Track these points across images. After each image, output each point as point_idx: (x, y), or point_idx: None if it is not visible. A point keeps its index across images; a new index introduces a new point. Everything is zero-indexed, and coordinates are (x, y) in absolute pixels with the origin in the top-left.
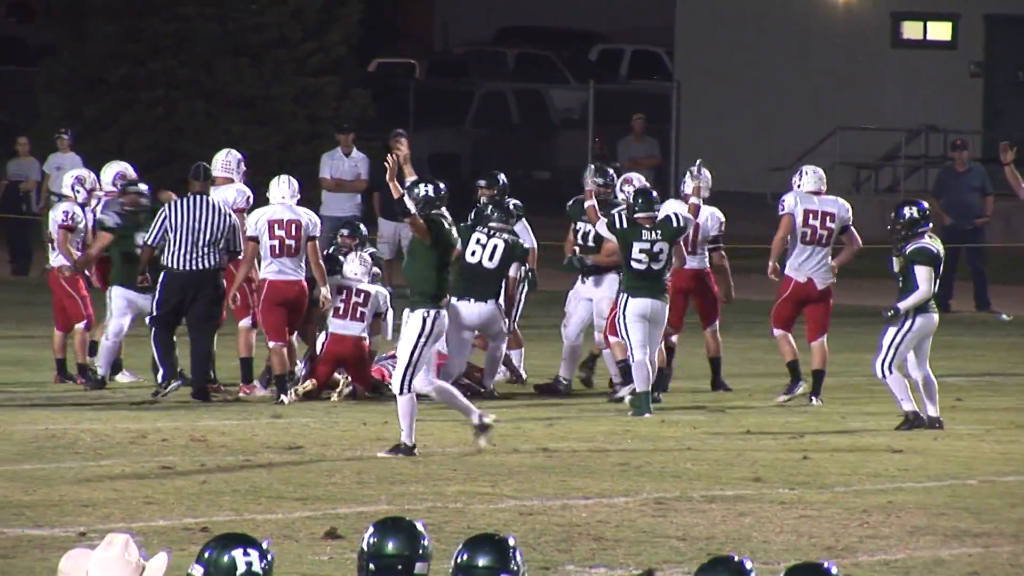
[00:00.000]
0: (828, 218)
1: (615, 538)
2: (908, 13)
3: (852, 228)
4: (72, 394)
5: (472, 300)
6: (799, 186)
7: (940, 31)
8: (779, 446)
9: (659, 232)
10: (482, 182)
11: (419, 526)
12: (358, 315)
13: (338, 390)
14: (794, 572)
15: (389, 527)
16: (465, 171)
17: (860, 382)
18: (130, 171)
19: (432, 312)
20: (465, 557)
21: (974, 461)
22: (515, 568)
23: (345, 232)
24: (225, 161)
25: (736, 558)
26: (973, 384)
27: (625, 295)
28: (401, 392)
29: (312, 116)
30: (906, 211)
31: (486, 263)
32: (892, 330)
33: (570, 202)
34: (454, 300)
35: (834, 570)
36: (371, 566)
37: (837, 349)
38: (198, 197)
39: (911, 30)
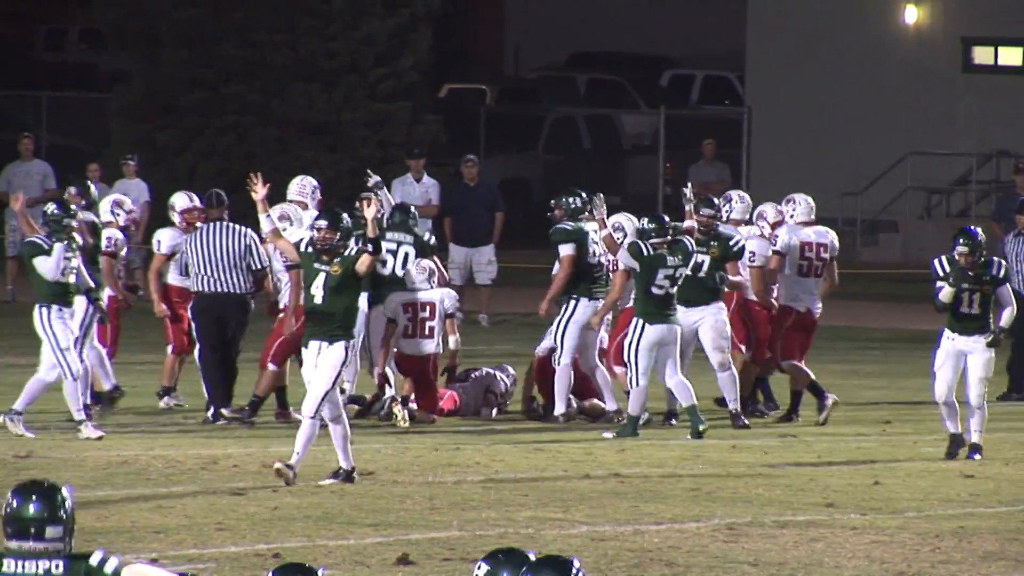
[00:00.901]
0: (822, 248)
1: (687, 564)
2: (979, 38)
3: (834, 262)
4: (143, 420)
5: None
6: (791, 216)
7: (1011, 56)
8: (850, 471)
9: (680, 257)
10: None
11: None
12: (427, 331)
13: (400, 416)
14: None
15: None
16: (536, 196)
17: (932, 407)
18: (183, 199)
19: (351, 343)
20: None
21: None
22: None
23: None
24: (300, 186)
25: None
26: None
27: (641, 322)
28: (312, 416)
29: (383, 142)
30: (979, 234)
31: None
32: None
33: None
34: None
35: None
36: None
37: (908, 375)
38: (216, 224)
39: (982, 55)
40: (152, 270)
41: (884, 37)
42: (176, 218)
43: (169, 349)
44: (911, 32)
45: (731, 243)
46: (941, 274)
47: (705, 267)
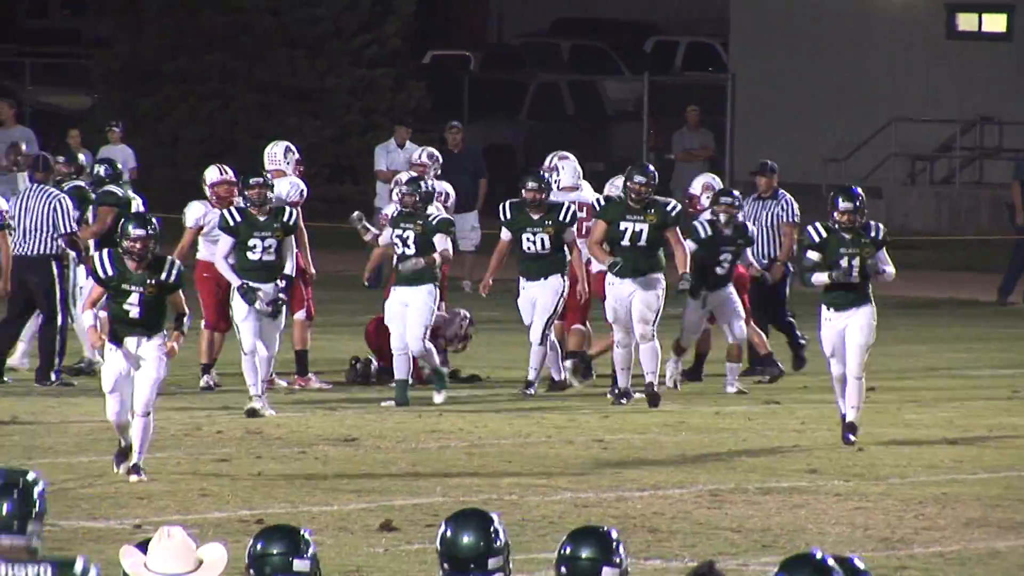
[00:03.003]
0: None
1: (670, 530)
2: (963, 4)
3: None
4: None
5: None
6: (556, 182)
7: (995, 23)
8: (834, 438)
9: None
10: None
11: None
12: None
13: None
14: (788, 565)
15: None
16: (519, 162)
17: (915, 374)
18: (215, 172)
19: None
20: (569, 549)
21: None
22: (618, 561)
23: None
24: (271, 154)
25: (818, 554)
26: None
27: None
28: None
29: (366, 108)
30: (860, 194)
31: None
32: None
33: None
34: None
35: (830, 561)
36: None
37: (891, 342)
38: (34, 187)
39: (966, 22)
40: (181, 245)
41: (868, 3)
42: (207, 191)
43: (202, 324)
44: None
45: (668, 209)
46: (816, 241)
47: (645, 235)
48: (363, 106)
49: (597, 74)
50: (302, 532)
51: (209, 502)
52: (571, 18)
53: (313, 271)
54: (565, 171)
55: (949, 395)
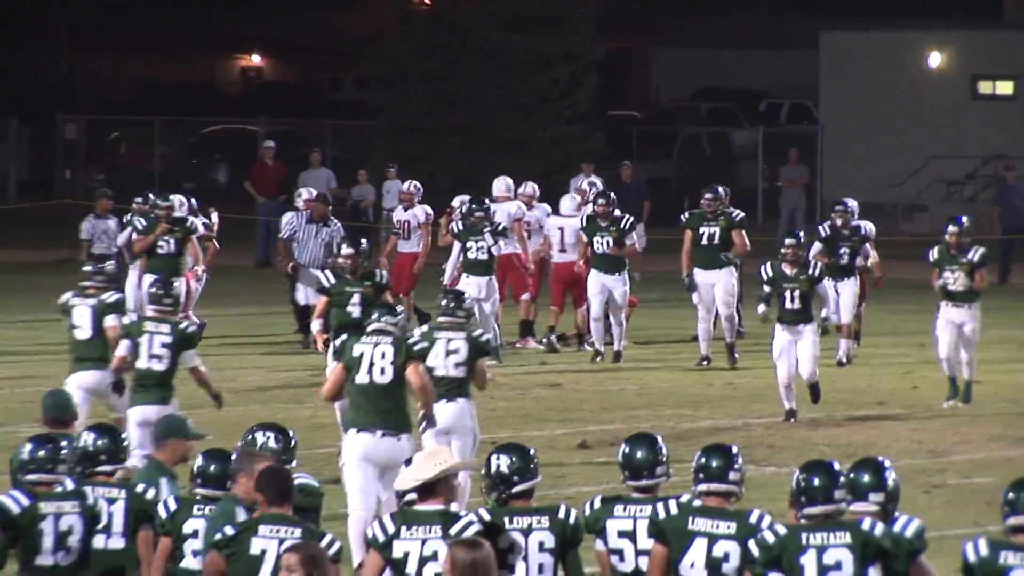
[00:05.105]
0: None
1: (781, 446)
2: (982, 75)
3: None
4: None
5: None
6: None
7: (1005, 88)
8: (896, 379)
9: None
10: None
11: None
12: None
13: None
14: (807, 467)
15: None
16: (674, 190)
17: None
18: (309, 192)
19: None
20: (703, 460)
21: None
22: (738, 467)
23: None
24: (499, 185)
25: (879, 459)
26: None
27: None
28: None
29: (564, 153)
30: (801, 236)
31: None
32: None
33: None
34: None
35: (836, 466)
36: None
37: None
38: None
39: (984, 87)
40: (279, 251)
41: (915, 74)
42: (300, 204)
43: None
44: (934, 71)
45: (734, 215)
46: (765, 278)
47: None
48: (562, 151)
49: (727, 127)
50: (530, 450)
51: None
52: (709, 87)
53: (531, 265)
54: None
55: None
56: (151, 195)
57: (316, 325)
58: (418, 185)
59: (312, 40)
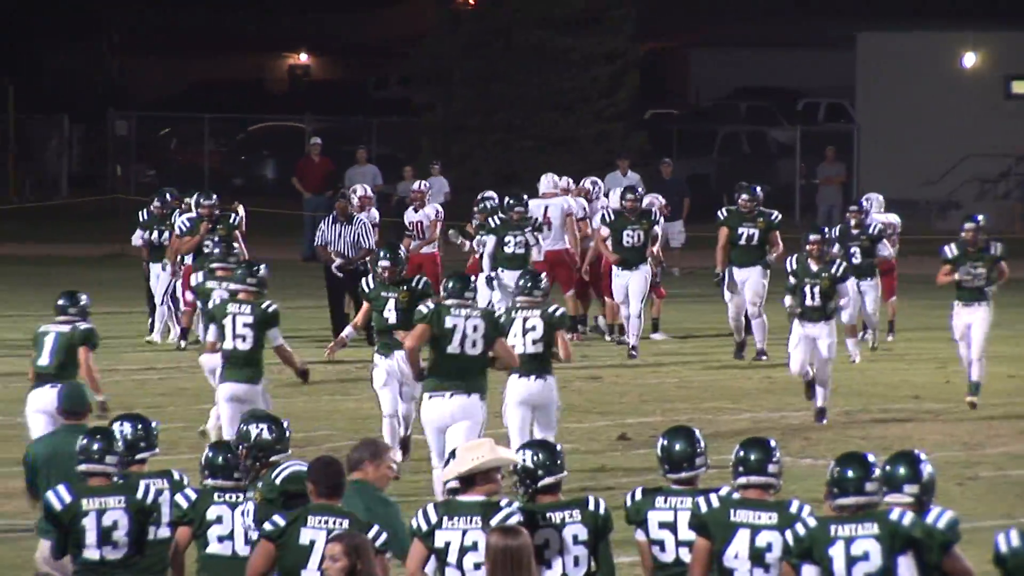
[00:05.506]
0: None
1: (817, 438)
2: (1014, 75)
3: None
4: None
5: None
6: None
7: None
8: (931, 373)
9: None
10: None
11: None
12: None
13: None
14: (842, 459)
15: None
16: (712, 186)
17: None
18: (363, 189)
19: None
20: (742, 453)
21: None
22: (776, 459)
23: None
24: (546, 181)
25: (914, 451)
26: None
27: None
28: None
29: (606, 150)
30: (826, 232)
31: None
32: None
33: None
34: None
35: (871, 458)
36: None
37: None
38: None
39: (1018, 87)
40: (320, 255)
41: (950, 74)
42: (355, 201)
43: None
44: (968, 71)
45: (772, 217)
46: (790, 271)
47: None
48: (603, 149)
49: (765, 125)
50: (556, 446)
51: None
52: (747, 86)
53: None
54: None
55: (1012, 346)
56: (167, 195)
57: (347, 331)
58: (428, 184)
59: (359, 39)
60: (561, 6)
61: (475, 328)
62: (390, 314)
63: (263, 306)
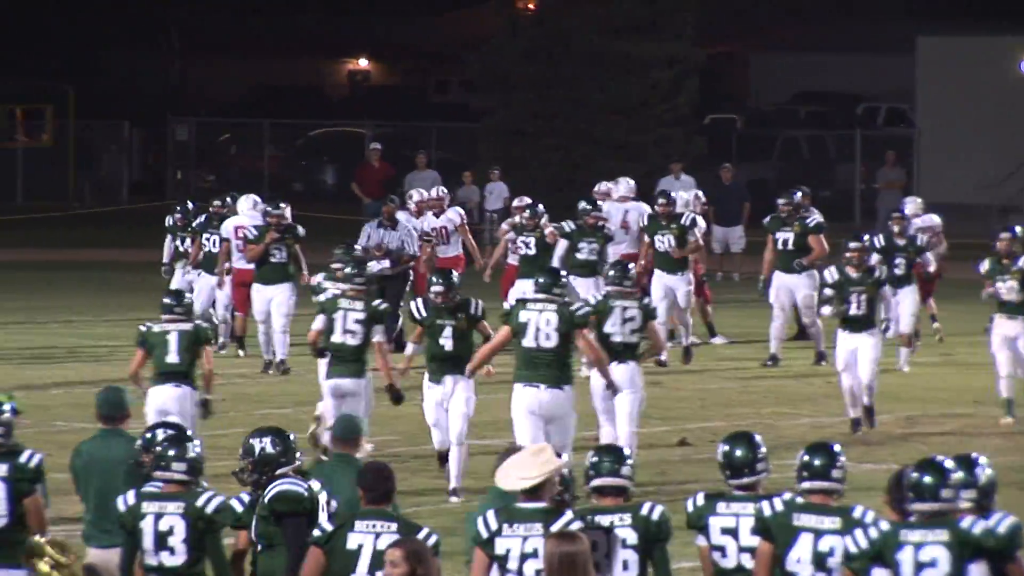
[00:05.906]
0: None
1: (879, 442)
2: None
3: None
4: None
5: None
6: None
7: None
8: (990, 379)
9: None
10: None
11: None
12: None
13: None
14: (921, 464)
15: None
16: (771, 191)
17: None
18: (420, 194)
19: None
20: (806, 458)
21: None
22: (840, 464)
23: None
24: (628, 186)
25: (973, 455)
26: None
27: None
28: None
29: (665, 154)
30: (865, 239)
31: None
32: None
33: (767, 218)
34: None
35: (948, 464)
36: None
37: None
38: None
39: None
40: None
41: (1008, 78)
42: (412, 205)
43: None
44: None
45: (808, 221)
46: (830, 281)
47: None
48: (662, 153)
49: (824, 130)
50: (625, 451)
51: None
52: (806, 91)
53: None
54: (619, 186)
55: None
56: (189, 205)
57: (410, 348)
58: (445, 190)
59: (418, 44)
60: (621, 11)
61: (548, 322)
62: (446, 341)
63: (374, 304)
